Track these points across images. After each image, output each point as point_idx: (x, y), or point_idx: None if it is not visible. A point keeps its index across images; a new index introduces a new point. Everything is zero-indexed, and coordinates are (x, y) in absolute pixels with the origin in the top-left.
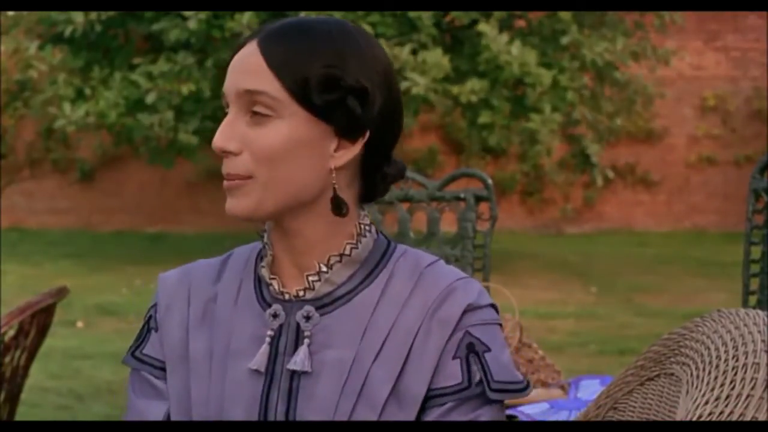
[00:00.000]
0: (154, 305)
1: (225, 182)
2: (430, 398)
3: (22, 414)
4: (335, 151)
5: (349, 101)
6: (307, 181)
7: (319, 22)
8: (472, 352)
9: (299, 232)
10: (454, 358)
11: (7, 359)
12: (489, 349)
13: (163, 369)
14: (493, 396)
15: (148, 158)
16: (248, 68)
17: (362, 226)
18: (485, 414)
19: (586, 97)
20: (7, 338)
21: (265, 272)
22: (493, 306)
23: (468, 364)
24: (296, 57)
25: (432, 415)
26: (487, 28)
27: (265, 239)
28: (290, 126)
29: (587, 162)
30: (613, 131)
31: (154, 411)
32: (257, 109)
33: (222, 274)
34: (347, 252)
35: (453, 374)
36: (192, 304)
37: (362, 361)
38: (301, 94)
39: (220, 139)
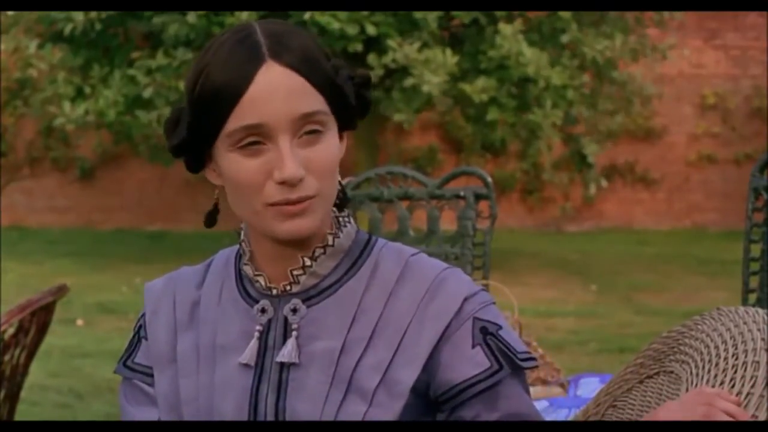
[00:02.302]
0: (143, 315)
1: (292, 207)
2: (463, 390)
3: (22, 412)
4: (339, 142)
5: (364, 93)
6: (336, 182)
7: (292, 26)
8: (488, 334)
9: (311, 234)
10: (473, 346)
11: (6, 357)
12: (500, 326)
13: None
14: (525, 365)
15: (149, 156)
16: (294, 92)
17: (341, 218)
18: (517, 390)
19: (585, 96)
20: (6, 336)
21: (249, 269)
22: (483, 290)
23: (489, 347)
24: (327, 71)
25: (472, 407)
26: (508, 29)
27: (242, 236)
28: (334, 136)
29: (584, 162)
30: (611, 133)
31: (147, 417)
32: (313, 128)
33: (205, 278)
34: (330, 242)
35: (480, 362)
36: (178, 308)
37: (351, 351)
38: (339, 104)
39: (296, 169)
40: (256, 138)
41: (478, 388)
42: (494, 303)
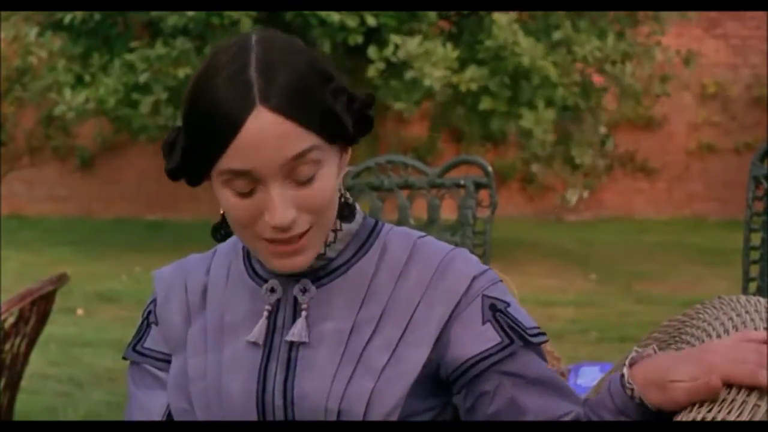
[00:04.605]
0: (153, 301)
1: (284, 247)
2: (474, 365)
3: (22, 401)
4: (340, 161)
5: (366, 114)
6: (336, 202)
7: (288, 49)
8: (497, 311)
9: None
10: (483, 323)
11: (7, 346)
12: (509, 304)
13: (165, 361)
14: (535, 340)
15: (150, 144)
16: (283, 138)
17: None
18: (533, 358)
19: (577, 93)
20: (7, 325)
21: None
22: (490, 269)
23: (498, 323)
24: (321, 104)
25: (491, 379)
26: (503, 18)
27: None
28: (330, 166)
29: (573, 165)
30: (610, 123)
31: (156, 401)
32: (303, 171)
33: (212, 264)
34: (339, 227)
35: (491, 337)
36: (190, 294)
37: (361, 331)
38: (335, 132)
39: (285, 217)
40: (247, 182)
41: (489, 362)
42: (501, 281)
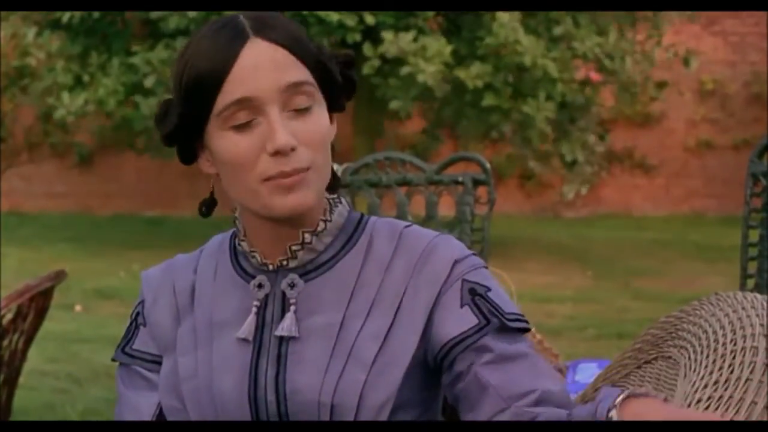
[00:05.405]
0: (141, 302)
1: (287, 179)
2: (452, 347)
3: (20, 397)
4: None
5: (349, 73)
6: (329, 156)
7: (273, 12)
8: (476, 295)
9: (309, 210)
10: (462, 306)
11: (5, 343)
12: (489, 288)
13: (154, 362)
14: (513, 325)
15: (148, 149)
16: (280, 64)
17: (332, 199)
18: (516, 342)
19: (575, 89)
20: (5, 321)
21: (245, 245)
22: (474, 254)
23: (477, 306)
24: (311, 48)
25: (464, 359)
26: (505, 17)
27: (236, 213)
28: (323, 111)
29: (573, 163)
30: (606, 122)
31: (146, 401)
32: (300, 100)
33: (199, 263)
34: (328, 218)
35: (468, 320)
36: (178, 295)
37: (350, 324)
38: (326, 80)
39: (286, 138)
40: (247, 113)
41: (466, 344)
42: (485, 267)
